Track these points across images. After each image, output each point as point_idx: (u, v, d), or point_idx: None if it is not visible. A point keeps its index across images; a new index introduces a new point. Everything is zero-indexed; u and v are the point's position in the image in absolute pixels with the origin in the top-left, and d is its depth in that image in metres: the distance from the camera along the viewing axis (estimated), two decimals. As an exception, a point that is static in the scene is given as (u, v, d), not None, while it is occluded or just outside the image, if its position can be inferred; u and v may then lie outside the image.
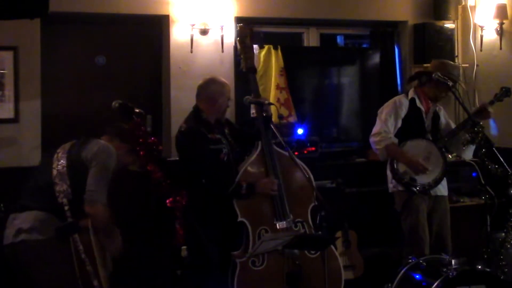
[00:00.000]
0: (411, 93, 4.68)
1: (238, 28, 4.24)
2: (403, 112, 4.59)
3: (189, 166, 4.03)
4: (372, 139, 4.59)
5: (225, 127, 4.16)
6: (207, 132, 3.97)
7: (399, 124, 4.58)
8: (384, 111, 4.61)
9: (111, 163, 3.38)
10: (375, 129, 4.59)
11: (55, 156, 3.40)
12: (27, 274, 3.25)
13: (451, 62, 4.81)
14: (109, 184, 3.36)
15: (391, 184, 4.62)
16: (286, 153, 3.96)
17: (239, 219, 3.87)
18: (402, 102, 4.63)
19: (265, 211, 3.92)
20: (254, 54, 4.16)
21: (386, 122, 4.54)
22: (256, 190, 3.87)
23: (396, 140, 4.53)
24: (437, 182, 4.48)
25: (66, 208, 3.23)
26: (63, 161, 3.36)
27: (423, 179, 4.43)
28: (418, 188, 4.37)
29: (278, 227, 3.88)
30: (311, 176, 3.96)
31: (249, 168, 3.96)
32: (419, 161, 4.43)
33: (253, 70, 4.21)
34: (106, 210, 3.30)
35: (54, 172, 3.32)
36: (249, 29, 4.22)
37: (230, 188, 3.84)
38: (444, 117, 4.77)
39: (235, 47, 5.61)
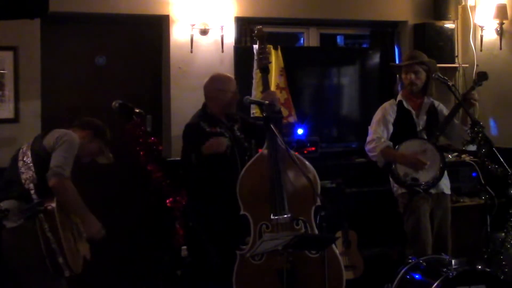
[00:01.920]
0: (399, 96, 4.71)
1: (256, 30, 4.42)
2: (392, 116, 4.63)
3: (183, 157, 4.22)
4: (366, 148, 4.63)
5: (237, 122, 4.28)
6: (209, 126, 4.12)
7: (391, 129, 4.61)
8: (374, 120, 4.68)
9: (73, 145, 3.48)
10: (368, 139, 4.64)
11: (20, 151, 3.55)
12: (4, 261, 3.37)
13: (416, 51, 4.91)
14: (72, 165, 3.44)
15: (395, 188, 4.62)
16: (293, 152, 4.04)
17: (242, 212, 3.94)
18: (388, 107, 4.68)
19: (267, 206, 3.95)
20: (269, 55, 4.43)
21: (377, 129, 4.59)
22: (203, 153, 3.96)
23: (390, 144, 4.54)
24: (438, 178, 4.47)
25: (32, 192, 3.36)
26: (28, 153, 3.50)
27: (424, 177, 4.42)
28: (421, 187, 4.36)
29: (272, 217, 3.91)
30: (317, 177, 3.99)
31: (252, 165, 4.04)
32: (416, 156, 4.43)
33: (266, 70, 4.35)
34: (71, 185, 3.38)
35: (20, 163, 3.47)
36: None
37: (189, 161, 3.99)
38: (445, 110, 4.73)
39: (235, 47, 5.62)
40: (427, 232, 4.49)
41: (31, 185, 3.38)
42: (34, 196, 3.35)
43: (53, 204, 3.31)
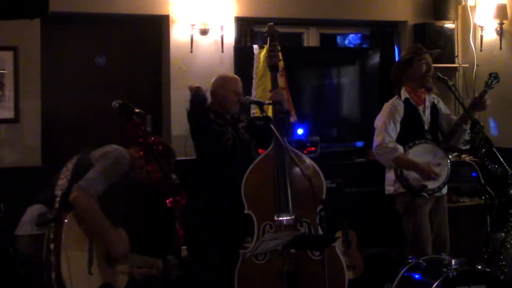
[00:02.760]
0: (403, 93, 4.56)
1: (267, 27, 4.35)
2: (400, 115, 4.46)
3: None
4: (376, 152, 4.45)
5: (242, 122, 4.31)
6: (213, 117, 4.17)
7: (398, 128, 4.46)
8: (381, 119, 4.48)
9: (117, 165, 3.36)
10: (376, 141, 4.43)
11: (73, 157, 3.47)
12: (23, 266, 3.29)
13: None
14: (107, 185, 3.29)
15: (392, 187, 4.54)
16: (301, 153, 4.15)
17: (246, 211, 3.94)
18: (397, 104, 4.51)
19: (271, 206, 3.97)
20: (279, 53, 4.34)
21: (387, 130, 4.40)
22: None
23: (401, 149, 4.38)
24: (445, 184, 4.45)
25: (57, 199, 3.26)
26: (74, 159, 3.43)
27: (433, 184, 4.37)
28: (428, 193, 4.34)
29: (275, 218, 3.93)
30: (322, 179, 4.04)
31: (258, 164, 4.06)
32: (433, 169, 4.34)
33: (275, 68, 4.31)
34: (91, 202, 3.24)
35: (64, 168, 3.40)
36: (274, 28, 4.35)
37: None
38: (444, 107, 4.69)
39: (235, 47, 5.63)
40: (428, 232, 4.46)
41: (60, 193, 3.27)
42: (57, 205, 3.23)
43: (67, 217, 3.18)
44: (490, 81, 4.56)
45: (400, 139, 4.45)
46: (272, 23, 4.38)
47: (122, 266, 3.47)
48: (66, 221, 3.15)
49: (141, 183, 3.60)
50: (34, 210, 3.32)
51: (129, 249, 3.48)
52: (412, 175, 4.37)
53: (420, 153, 4.40)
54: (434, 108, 4.61)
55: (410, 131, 4.47)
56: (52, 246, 3.10)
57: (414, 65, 4.52)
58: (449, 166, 4.44)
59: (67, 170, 3.38)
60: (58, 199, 3.25)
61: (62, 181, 3.32)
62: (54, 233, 3.12)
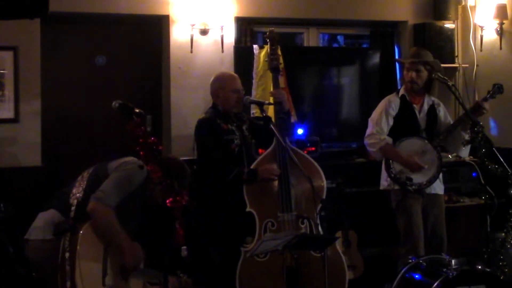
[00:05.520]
0: (402, 90, 4.69)
1: (268, 32, 4.49)
2: (394, 110, 4.60)
3: (200, 153, 4.25)
4: (366, 141, 4.62)
5: (245, 123, 4.34)
6: (223, 123, 4.19)
7: (391, 122, 4.59)
8: (376, 112, 4.65)
9: (131, 178, 3.33)
10: (368, 131, 4.62)
11: (90, 167, 3.47)
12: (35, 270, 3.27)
13: (421, 49, 4.81)
14: (123, 196, 3.27)
15: (386, 182, 4.62)
16: (303, 153, 4.22)
17: (248, 209, 3.98)
18: (392, 100, 4.65)
19: (274, 204, 4.01)
20: (279, 56, 4.46)
21: (378, 122, 4.56)
22: (258, 176, 4.02)
23: (390, 140, 4.53)
24: (431, 181, 4.49)
25: (72, 208, 3.25)
26: (91, 169, 3.42)
27: (418, 178, 4.44)
28: (413, 187, 4.39)
29: (279, 219, 3.97)
30: (323, 179, 4.09)
31: (261, 162, 4.10)
32: (415, 160, 4.44)
33: (277, 70, 4.41)
34: (109, 213, 3.22)
35: (80, 177, 3.40)
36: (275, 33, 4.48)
37: (232, 174, 4.01)
38: (444, 114, 4.73)
39: (235, 47, 5.63)
40: (419, 229, 4.51)
41: (75, 201, 3.27)
42: (72, 214, 3.22)
43: (83, 227, 3.15)
44: (492, 91, 4.59)
45: (396, 134, 4.56)
46: (273, 29, 4.51)
47: (136, 282, 3.43)
48: (81, 231, 3.13)
49: (154, 200, 3.54)
50: (47, 216, 3.32)
51: (142, 262, 3.45)
52: (398, 167, 4.47)
53: (407, 146, 4.50)
54: (432, 111, 4.64)
55: (406, 128, 4.59)
56: (67, 255, 3.08)
57: (404, 71, 4.61)
58: (438, 163, 4.47)
59: (83, 179, 3.37)
60: (73, 208, 3.24)
61: (77, 190, 3.31)
62: (70, 243, 3.09)
